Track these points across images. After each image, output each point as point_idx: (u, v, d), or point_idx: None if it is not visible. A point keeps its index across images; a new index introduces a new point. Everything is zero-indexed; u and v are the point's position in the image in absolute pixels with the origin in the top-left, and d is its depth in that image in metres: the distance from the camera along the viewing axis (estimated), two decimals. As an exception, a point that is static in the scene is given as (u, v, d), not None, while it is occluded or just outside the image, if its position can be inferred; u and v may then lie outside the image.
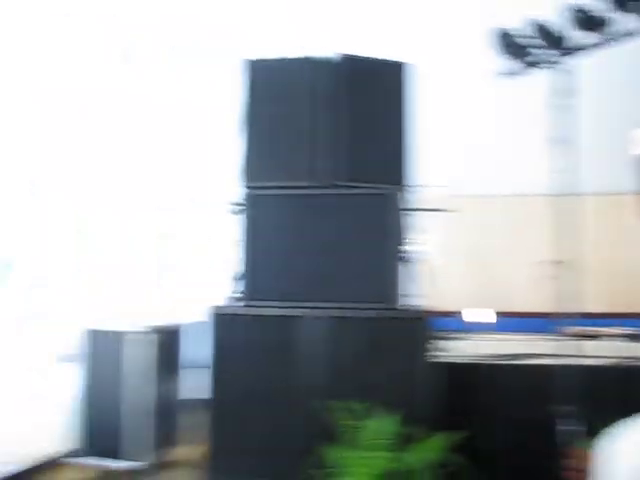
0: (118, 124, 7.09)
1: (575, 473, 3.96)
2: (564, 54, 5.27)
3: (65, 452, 5.14)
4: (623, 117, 4.30)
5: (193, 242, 9.51)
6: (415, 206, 4.65)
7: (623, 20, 5.09)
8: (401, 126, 4.48)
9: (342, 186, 4.39)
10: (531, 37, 5.47)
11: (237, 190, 4.51)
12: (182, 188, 7.82)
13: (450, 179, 6.93)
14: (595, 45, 5.22)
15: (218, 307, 4.43)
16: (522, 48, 5.53)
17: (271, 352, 4.31)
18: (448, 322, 5.97)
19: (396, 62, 4.60)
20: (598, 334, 5.79)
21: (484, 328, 6.50)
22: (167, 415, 5.21)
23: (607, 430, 1.14)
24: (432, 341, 4.33)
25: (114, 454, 4.97)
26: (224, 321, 4.37)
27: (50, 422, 5.71)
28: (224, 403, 4.33)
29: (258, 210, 4.43)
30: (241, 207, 4.47)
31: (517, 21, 5.57)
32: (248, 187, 4.47)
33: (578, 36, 5.24)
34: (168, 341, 5.32)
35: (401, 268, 4.39)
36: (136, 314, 6.27)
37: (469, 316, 6.94)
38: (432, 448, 3.68)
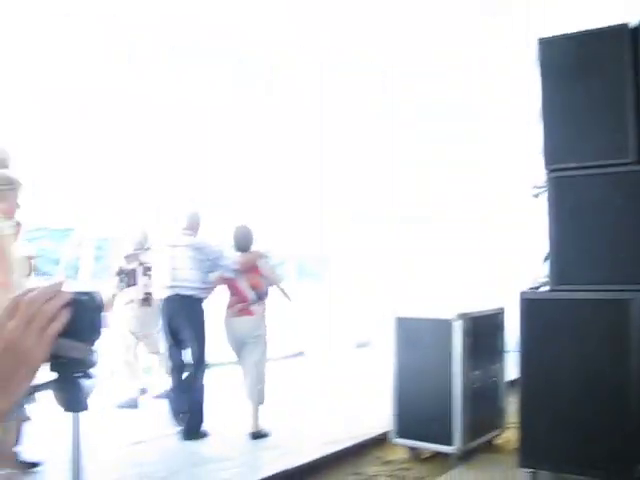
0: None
1: None
2: None
3: (382, 433, 5.34)
4: None
5: (503, 227, 9.76)
6: None
7: None
8: None
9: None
10: None
11: (539, 173, 4.39)
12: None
13: None
14: None
15: (527, 292, 4.35)
16: None
17: (589, 336, 4.10)
18: None
19: None
20: None
21: None
22: (485, 399, 5.18)
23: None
24: None
25: (428, 437, 4.99)
26: (533, 306, 4.27)
27: (366, 404, 6.49)
28: (534, 387, 4.26)
29: (562, 192, 4.25)
30: (545, 190, 4.34)
31: None
32: (551, 170, 4.28)
33: None
34: (487, 326, 5.34)
35: None
36: (449, 300, 6.33)
37: None
38: None
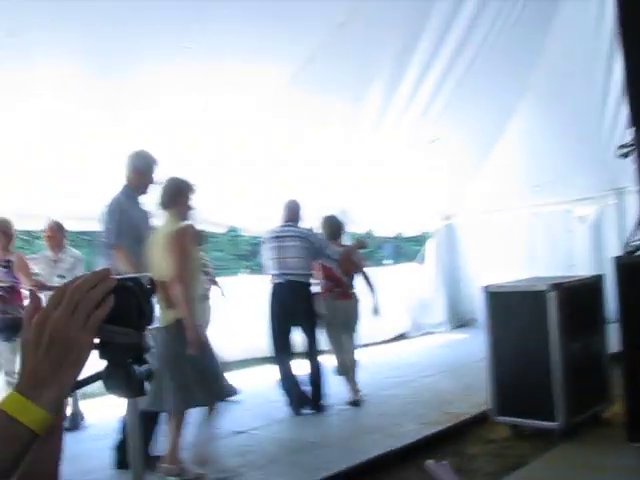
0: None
1: None
2: None
3: (482, 411, 5.31)
4: None
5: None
6: None
7: None
8: None
9: None
10: None
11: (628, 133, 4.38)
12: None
13: None
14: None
15: (622, 257, 4.34)
16: None
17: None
18: None
19: None
20: None
21: None
22: (588, 372, 4.99)
23: None
24: None
25: (530, 413, 4.88)
26: (629, 272, 4.24)
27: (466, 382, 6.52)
28: (638, 357, 4.25)
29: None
30: (633, 148, 4.34)
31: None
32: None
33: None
34: (585, 295, 5.13)
35: None
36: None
37: None
38: None
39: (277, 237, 6.19)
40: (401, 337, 10.81)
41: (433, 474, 2.23)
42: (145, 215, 4.85)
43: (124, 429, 4.28)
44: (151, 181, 4.78)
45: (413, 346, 10.03)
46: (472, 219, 11.63)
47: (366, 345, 9.72)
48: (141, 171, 4.75)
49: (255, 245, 10.48)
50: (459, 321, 11.52)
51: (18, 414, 0.82)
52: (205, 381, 4.20)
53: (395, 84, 7.69)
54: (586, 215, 10.49)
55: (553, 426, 4.75)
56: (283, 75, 6.68)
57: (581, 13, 7.99)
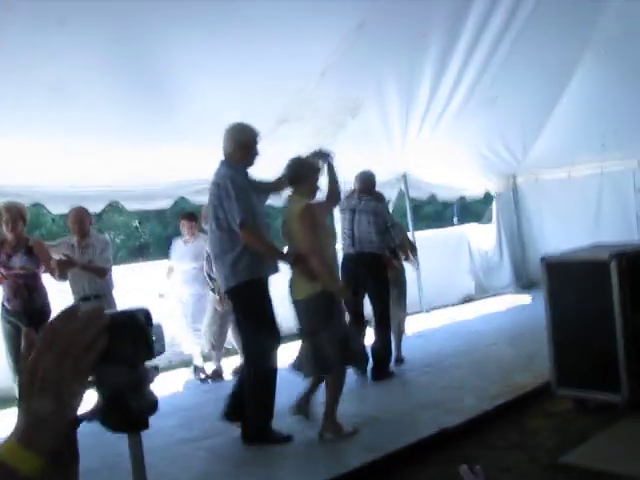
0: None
1: None
2: None
3: (544, 383, 5.23)
4: None
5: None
6: None
7: None
8: None
9: None
10: None
11: None
12: None
13: None
14: None
15: None
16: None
17: None
18: None
19: None
20: None
21: None
22: None
23: None
24: None
25: (593, 386, 4.75)
26: None
27: (529, 351, 6.43)
28: None
29: None
30: None
31: None
32: None
33: None
34: None
35: None
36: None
37: None
38: None
39: (352, 210, 6.42)
40: (468, 300, 10.70)
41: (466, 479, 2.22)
42: (258, 189, 4.77)
43: (238, 385, 4.81)
44: (257, 153, 4.76)
45: (478, 310, 9.90)
46: (537, 179, 11.31)
47: (432, 309, 9.73)
48: (246, 145, 4.70)
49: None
50: (526, 282, 11.29)
51: (18, 463, 0.81)
52: (343, 347, 4.57)
53: (453, 42, 7.42)
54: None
55: (617, 399, 4.62)
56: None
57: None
